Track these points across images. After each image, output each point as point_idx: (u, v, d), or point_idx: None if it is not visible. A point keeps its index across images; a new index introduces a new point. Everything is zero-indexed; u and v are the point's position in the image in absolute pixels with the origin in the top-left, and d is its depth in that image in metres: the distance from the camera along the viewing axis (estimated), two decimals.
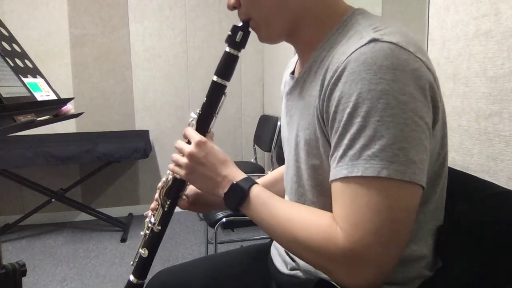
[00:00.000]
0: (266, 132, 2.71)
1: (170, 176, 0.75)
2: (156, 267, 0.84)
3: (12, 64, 0.77)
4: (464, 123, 0.97)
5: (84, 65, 2.96)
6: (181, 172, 0.70)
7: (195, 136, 0.69)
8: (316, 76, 0.62)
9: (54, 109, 0.85)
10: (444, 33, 1.04)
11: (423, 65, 0.53)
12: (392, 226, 0.50)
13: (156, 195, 0.77)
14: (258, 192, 0.63)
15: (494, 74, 0.87)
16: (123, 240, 2.63)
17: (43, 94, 0.81)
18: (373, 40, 0.52)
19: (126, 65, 3.04)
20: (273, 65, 3.03)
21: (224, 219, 1.76)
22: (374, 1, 1.60)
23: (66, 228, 2.88)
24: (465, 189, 0.65)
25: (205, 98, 0.71)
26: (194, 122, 0.72)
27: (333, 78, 0.54)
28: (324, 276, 0.66)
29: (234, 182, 0.64)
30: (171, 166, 0.73)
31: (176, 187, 0.75)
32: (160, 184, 0.77)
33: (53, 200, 2.70)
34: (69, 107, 0.89)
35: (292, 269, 0.73)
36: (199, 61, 3.15)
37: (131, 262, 0.80)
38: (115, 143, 2.56)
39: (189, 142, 0.70)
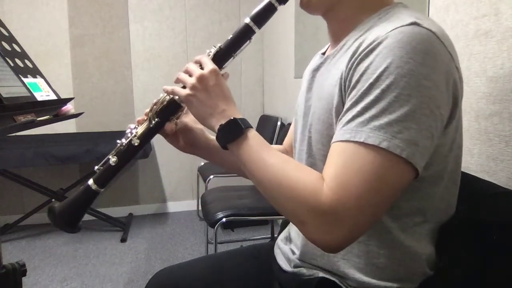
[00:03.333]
0: (266, 132, 2.70)
1: (167, 98, 0.72)
2: (156, 267, 0.84)
3: (12, 64, 0.77)
4: (464, 123, 0.97)
5: (84, 65, 2.96)
6: (182, 93, 0.67)
7: (211, 64, 0.67)
8: (347, 52, 0.62)
9: (54, 109, 0.85)
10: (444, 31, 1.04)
11: (453, 62, 0.55)
12: (375, 196, 0.51)
13: (147, 110, 0.74)
14: (254, 134, 0.63)
15: (494, 74, 0.87)
16: (123, 240, 2.63)
17: (43, 94, 0.81)
18: (415, 23, 0.53)
19: (126, 65, 3.04)
20: (273, 65, 3.03)
21: (224, 219, 1.76)
22: None
23: None
24: (465, 189, 0.65)
25: (230, 36, 0.70)
26: (212, 55, 0.70)
27: (366, 50, 0.55)
28: (328, 264, 0.67)
29: (233, 118, 0.63)
30: (169, 87, 0.70)
31: (170, 108, 0.73)
32: (155, 101, 0.74)
33: (53, 200, 2.70)
34: (69, 107, 0.89)
35: (295, 266, 0.74)
36: None
37: (95, 167, 0.75)
38: (115, 143, 2.55)
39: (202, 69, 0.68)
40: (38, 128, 0.79)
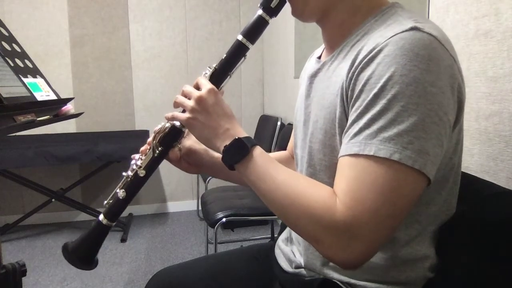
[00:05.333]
0: (266, 132, 2.70)
1: (168, 124, 0.72)
2: (156, 267, 0.84)
3: (12, 64, 0.77)
4: (464, 123, 0.96)
5: (84, 65, 2.96)
6: (183, 117, 0.66)
7: (208, 84, 0.66)
8: (346, 59, 0.61)
9: (54, 109, 0.85)
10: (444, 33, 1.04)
11: (455, 64, 0.54)
12: (391, 209, 0.50)
13: (150, 139, 0.74)
14: (260, 152, 0.61)
15: (494, 74, 0.87)
16: (123, 240, 2.63)
17: (43, 94, 0.81)
18: (415, 28, 0.52)
19: (126, 65, 3.04)
20: (273, 65, 3.03)
21: (224, 219, 1.76)
22: None
23: (66, 228, 2.88)
24: (465, 189, 0.65)
25: (224, 55, 0.69)
26: (208, 76, 0.69)
27: (367, 58, 0.54)
28: (329, 275, 0.66)
29: (237, 137, 0.62)
30: (170, 114, 0.70)
31: (172, 135, 0.72)
32: (156, 129, 0.73)
33: (53, 200, 2.70)
34: (69, 107, 0.89)
35: (296, 267, 0.74)
36: (199, 61, 3.15)
37: (105, 202, 0.75)
38: (115, 143, 2.56)
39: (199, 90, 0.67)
40: (38, 128, 0.79)
